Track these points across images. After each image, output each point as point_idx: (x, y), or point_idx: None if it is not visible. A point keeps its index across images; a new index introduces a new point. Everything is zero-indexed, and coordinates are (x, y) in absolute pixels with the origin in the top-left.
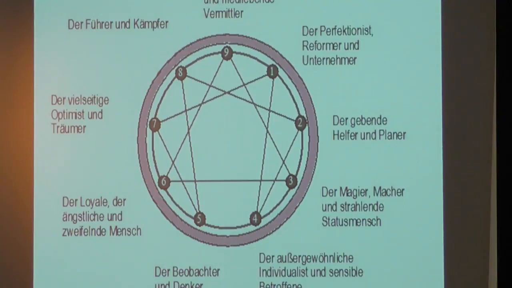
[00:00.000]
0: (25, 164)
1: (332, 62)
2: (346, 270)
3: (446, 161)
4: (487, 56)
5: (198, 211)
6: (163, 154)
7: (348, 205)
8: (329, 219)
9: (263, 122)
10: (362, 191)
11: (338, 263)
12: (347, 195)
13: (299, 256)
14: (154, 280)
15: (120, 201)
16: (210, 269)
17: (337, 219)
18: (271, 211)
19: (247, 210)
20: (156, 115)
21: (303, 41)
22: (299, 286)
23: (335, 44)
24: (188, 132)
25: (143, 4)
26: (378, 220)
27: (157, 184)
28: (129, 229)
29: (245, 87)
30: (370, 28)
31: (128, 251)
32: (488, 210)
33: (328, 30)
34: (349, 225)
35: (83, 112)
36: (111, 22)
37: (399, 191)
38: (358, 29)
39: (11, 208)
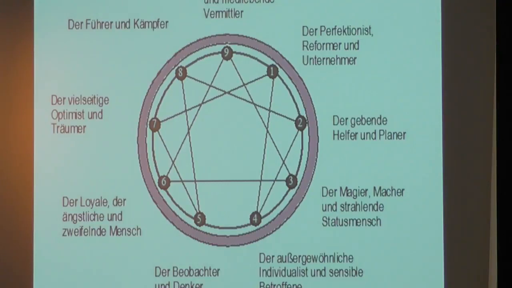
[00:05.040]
0: (25, 164)
1: (332, 62)
2: (346, 270)
3: (446, 161)
4: (487, 56)
5: (198, 211)
6: (163, 154)
7: (348, 205)
8: (329, 219)
9: (263, 122)
10: (362, 191)
11: (338, 263)
12: (347, 195)
13: (299, 256)
14: (154, 280)
15: (120, 201)
16: (210, 269)
17: (337, 219)
18: (271, 211)
19: (247, 210)
20: (156, 115)
21: (303, 41)
22: (299, 286)
23: (335, 44)
24: (188, 132)
25: (143, 4)
26: (378, 220)
27: (157, 184)
28: (129, 229)
29: (245, 87)
30: (370, 28)
31: (128, 251)
32: (488, 210)
33: (328, 30)
34: (349, 225)
35: (83, 112)
36: (111, 22)
37: (399, 191)
38: (358, 29)
39: (11, 208)
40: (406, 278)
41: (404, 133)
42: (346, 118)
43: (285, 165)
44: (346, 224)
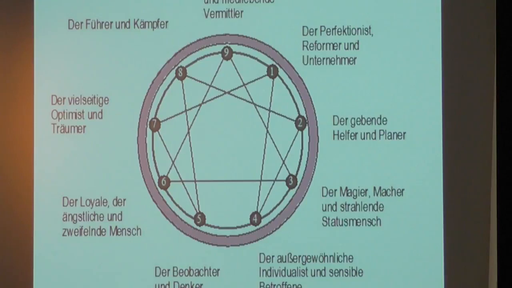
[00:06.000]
0: (25, 164)
1: (332, 62)
2: (346, 270)
3: (446, 161)
4: (487, 56)
5: (198, 211)
6: (163, 154)
7: (348, 205)
8: (329, 219)
9: (263, 122)
10: (362, 191)
11: (338, 263)
12: (347, 195)
13: (299, 256)
14: (154, 280)
15: (120, 201)
16: (210, 269)
17: (337, 219)
18: (271, 211)
19: (247, 210)
20: (156, 115)
21: (303, 41)
22: (299, 286)
23: (335, 44)
24: (188, 132)
25: (143, 4)
26: (378, 220)
27: (157, 184)
28: (129, 229)
29: (245, 87)
30: (370, 28)
31: (128, 251)
32: (488, 210)
33: (328, 30)
34: (349, 225)
35: (83, 112)
36: (111, 22)
37: (399, 191)
38: (358, 29)
39: (11, 208)
40: (406, 278)
41: (404, 133)
42: (346, 118)
43: (285, 165)
44: (346, 224)
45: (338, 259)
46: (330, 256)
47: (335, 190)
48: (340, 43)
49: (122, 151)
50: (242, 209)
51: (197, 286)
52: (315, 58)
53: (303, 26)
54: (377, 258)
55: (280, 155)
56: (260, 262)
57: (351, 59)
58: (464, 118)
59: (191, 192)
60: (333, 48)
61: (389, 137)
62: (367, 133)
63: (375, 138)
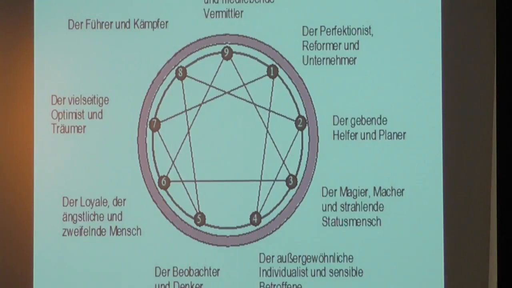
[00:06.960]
0: (25, 164)
1: (332, 62)
2: (346, 270)
3: (446, 161)
4: (487, 56)
5: (198, 211)
6: (163, 154)
7: (348, 205)
8: (329, 219)
9: (263, 122)
10: (362, 191)
11: (338, 263)
12: (347, 195)
13: (299, 256)
14: (154, 280)
15: (120, 201)
16: (210, 269)
17: (337, 219)
18: (271, 211)
19: (247, 210)
20: (156, 115)
21: (303, 41)
22: (299, 286)
23: (335, 44)
24: (188, 132)
25: (143, 4)
26: (378, 220)
27: (157, 184)
28: (129, 229)
29: (245, 87)
30: (370, 28)
31: (128, 251)
32: (488, 210)
33: (328, 30)
34: (349, 225)
35: (83, 112)
36: (111, 22)
37: (399, 191)
38: (358, 29)
39: (11, 208)
40: (406, 278)
41: (404, 133)
42: (346, 118)
43: (285, 165)
44: (346, 224)
45: (338, 259)
46: (330, 256)
47: (335, 190)
48: (340, 43)
49: (122, 151)
50: (242, 209)
51: (197, 286)
52: (315, 58)
53: (303, 26)
54: (377, 258)
55: (280, 155)
56: (260, 262)
57: (351, 59)
58: (464, 118)
59: (191, 192)
60: (333, 48)
61: (389, 137)
62: (367, 133)
63: (375, 138)
